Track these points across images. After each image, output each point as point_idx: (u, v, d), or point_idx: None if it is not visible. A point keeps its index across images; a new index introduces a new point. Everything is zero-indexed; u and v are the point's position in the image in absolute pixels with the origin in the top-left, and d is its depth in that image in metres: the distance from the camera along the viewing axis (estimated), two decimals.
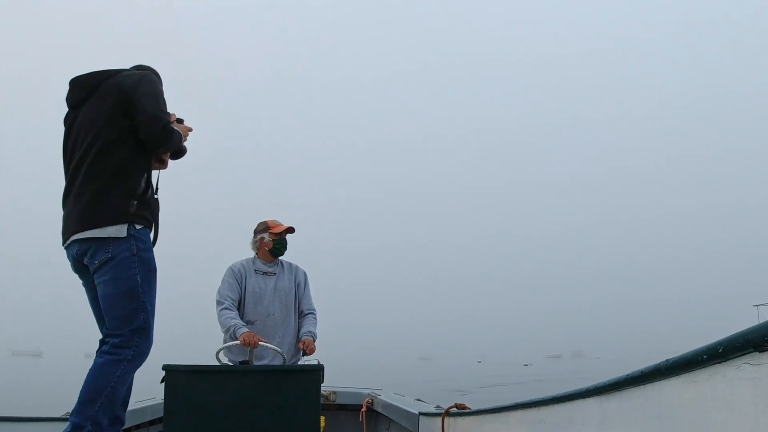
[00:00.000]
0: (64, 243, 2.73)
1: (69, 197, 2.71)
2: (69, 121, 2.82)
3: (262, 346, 3.81)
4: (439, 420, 3.22)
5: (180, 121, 2.99)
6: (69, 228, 2.67)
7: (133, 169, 2.70)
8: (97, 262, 2.60)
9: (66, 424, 2.51)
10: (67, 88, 2.84)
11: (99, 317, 2.75)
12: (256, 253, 4.29)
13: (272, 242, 4.22)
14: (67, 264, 2.74)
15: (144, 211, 2.68)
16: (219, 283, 4.18)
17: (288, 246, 4.30)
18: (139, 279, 2.62)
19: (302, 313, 4.28)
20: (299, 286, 4.31)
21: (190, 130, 3.01)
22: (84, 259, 2.65)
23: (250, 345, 3.76)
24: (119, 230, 2.61)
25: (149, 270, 2.67)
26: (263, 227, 4.29)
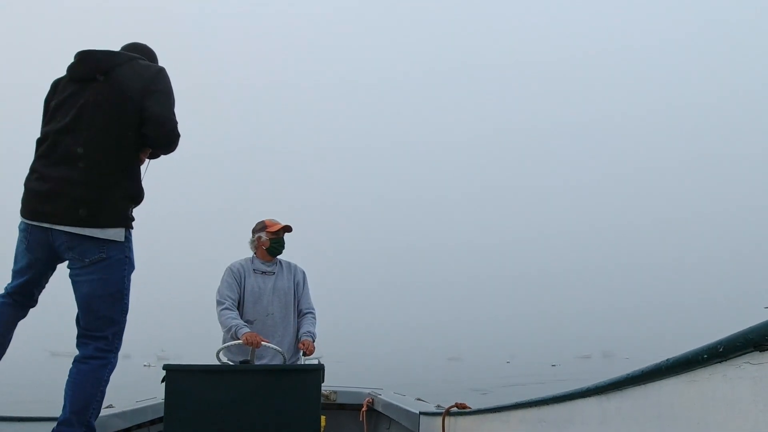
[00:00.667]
0: (40, 221, 2.48)
1: (56, 174, 2.47)
2: (69, 91, 2.58)
3: (264, 346, 3.81)
4: (439, 419, 3.22)
5: None
6: (58, 213, 2.44)
7: (137, 172, 2.63)
8: (87, 260, 2.48)
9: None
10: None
11: (23, 274, 2.56)
12: (255, 253, 4.29)
13: (269, 241, 4.21)
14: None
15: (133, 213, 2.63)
16: (218, 284, 4.17)
17: (285, 246, 4.29)
18: (126, 282, 2.59)
19: (301, 312, 4.28)
20: (298, 286, 4.30)
21: None
22: (67, 253, 2.50)
23: (252, 345, 3.76)
24: (118, 234, 2.52)
25: (132, 271, 2.63)
26: (261, 226, 4.28)
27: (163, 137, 2.57)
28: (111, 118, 2.51)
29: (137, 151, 2.60)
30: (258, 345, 3.77)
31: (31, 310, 2.64)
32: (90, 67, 2.58)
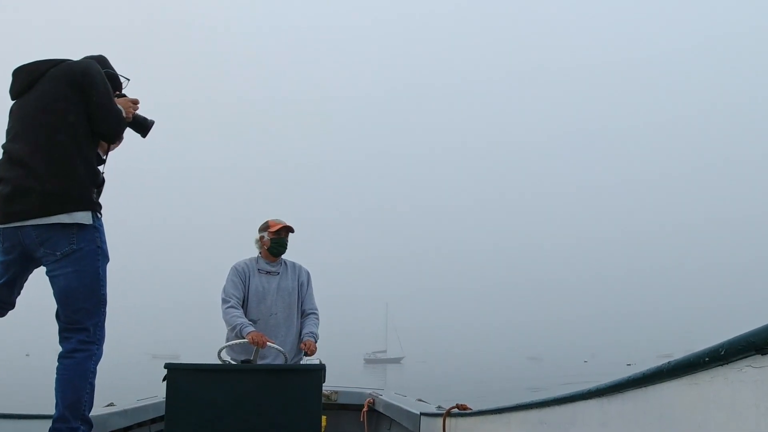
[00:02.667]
0: (9, 222, 2.52)
1: (14, 175, 2.53)
2: (14, 107, 2.70)
3: (268, 346, 3.81)
4: (440, 420, 3.22)
5: (122, 95, 2.88)
6: (24, 210, 2.48)
7: (94, 156, 2.67)
8: (59, 253, 2.50)
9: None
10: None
11: (8, 286, 2.62)
12: (260, 253, 4.29)
13: (270, 241, 4.21)
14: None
15: (99, 199, 2.66)
16: (222, 283, 4.18)
17: (288, 246, 4.28)
18: (101, 272, 2.60)
19: (304, 312, 4.28)
20: (302, 286, 4.30)
21: (135, 102, 2.88)
22: (39, 250, 2.51)
23: (258, 344, 3.76)
24: (85, 217, 2.54)
25: (107, 262, 2.65)
26: (264, 226, 4.28)
27: (112, 133, 2.68)
28: (53, 119, 2.58)
29: (89, 138, 2.65)
30: (263, 345, 3.77)
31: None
32: (23, 80, 2.69)
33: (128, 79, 2.95)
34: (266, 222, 4.31)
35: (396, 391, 5.36)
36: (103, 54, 2.92)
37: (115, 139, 2.76)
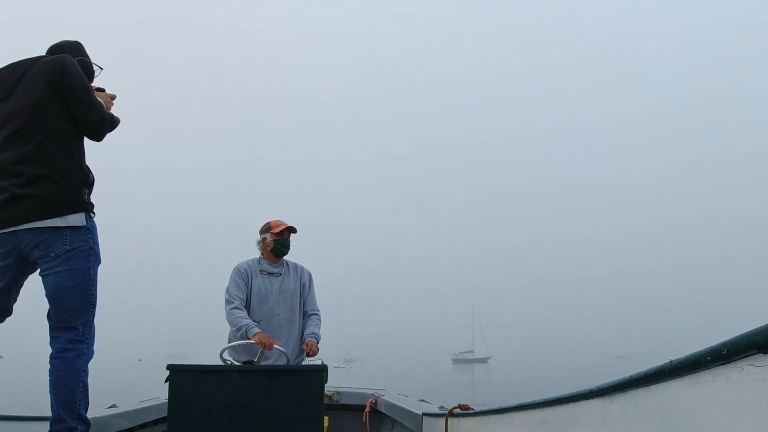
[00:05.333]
0: (4, 228, 2.53)
1: (6, 184, 2.54)
2: None
3: (274, 348, 3.80)
4: (442, 420, 3.22)
5: (100, 89, 2.86)
6: (18, 214, 2.50)
7: (82, 156, 2.67)
8: (53, 254, 2.52)
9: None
10: None
11: (5, 292, 2.64)
12: (262, 254, 4.29)
13: (273, 242, 4.21)
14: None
15: (90, 198, 2.66)
16: (224, 284, 4.18)
17: (291, 246, 4.29)
18: (92, 273, 2.61)
19: (306, 313, 4.28)
20: (304, 287, 4.30)
21: (113, 97, 2.88)
22: (34, 252, 2.53)
23: (265, 346, 3.76)
24: (79, 219, 2.55)
25: (98, 263, 2.66)
26: (266, 227, 4.28)
27: (97, 132, 2.68)
28: (37, 124, 2.57)
29: (75, 138, 2.64)
30: (270, 347, 3.76)
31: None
32: (1, 87, 2.66)
33: (101, 68, 2.93)
34: (268, 223, 4.31)
35: (398, 392, 5.37)
36: (78, 40, 2.89)
37: (101, 135, 2.73)
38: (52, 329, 2.61)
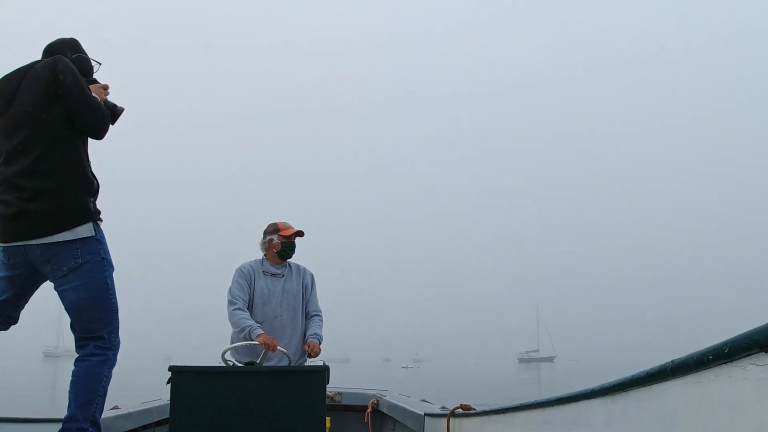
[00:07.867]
0: (14, 241, 2.53)
1: (12, 198, 2.53)
2: None
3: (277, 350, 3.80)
4: (444, 421, 3.22)
5: (92, 81, 2.81)
6: (28, 229, 2.50)
7: (86, 163, 2.65)
8: (66, 268, 2.52)
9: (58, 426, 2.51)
10: None
11: (12, 301, 2.64)
12: (265, 255, 4.28)
13: (281, 245, 4.21)
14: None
15: (96, 206, 2.65)
16: (227, 285, 4.18)
17: (296, 249, 4.29)
18: (109, 282, 2.62)
19: (308, 314, 4.28)
20: (306, 288, 4.30)
21: (106, 87, 2.83)
22: (45, 266, 2.53)
23: (269, 347, 3.75)
24: (87, 229, 2.55)
25: (113, 270, 2.66)
26: (273, 229, 4.27)
27: (92, 129, 2.65)
28: (38, 135, 2.55)
29: (77, 146, 2.62)
30: (274, 349, 3.75)
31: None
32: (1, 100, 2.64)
33: (99, 64, 2.91)
34: (275, 224, 4.29)
35: (400, 392, 5.37)
36: (74, 37, 2.86)
37: (101, 134, 2.70)
38: (77, 339, 2.64)
